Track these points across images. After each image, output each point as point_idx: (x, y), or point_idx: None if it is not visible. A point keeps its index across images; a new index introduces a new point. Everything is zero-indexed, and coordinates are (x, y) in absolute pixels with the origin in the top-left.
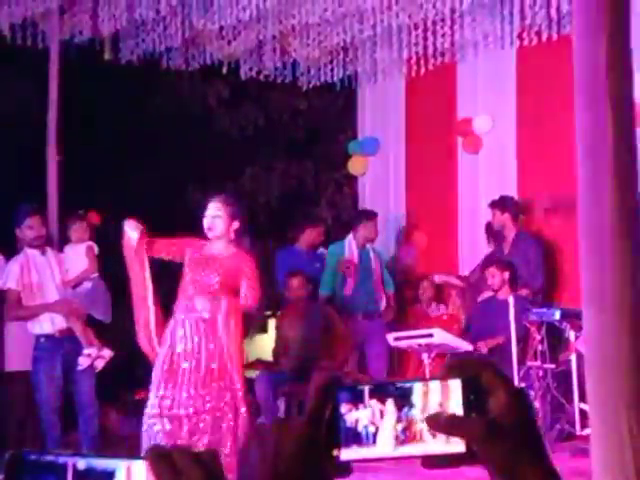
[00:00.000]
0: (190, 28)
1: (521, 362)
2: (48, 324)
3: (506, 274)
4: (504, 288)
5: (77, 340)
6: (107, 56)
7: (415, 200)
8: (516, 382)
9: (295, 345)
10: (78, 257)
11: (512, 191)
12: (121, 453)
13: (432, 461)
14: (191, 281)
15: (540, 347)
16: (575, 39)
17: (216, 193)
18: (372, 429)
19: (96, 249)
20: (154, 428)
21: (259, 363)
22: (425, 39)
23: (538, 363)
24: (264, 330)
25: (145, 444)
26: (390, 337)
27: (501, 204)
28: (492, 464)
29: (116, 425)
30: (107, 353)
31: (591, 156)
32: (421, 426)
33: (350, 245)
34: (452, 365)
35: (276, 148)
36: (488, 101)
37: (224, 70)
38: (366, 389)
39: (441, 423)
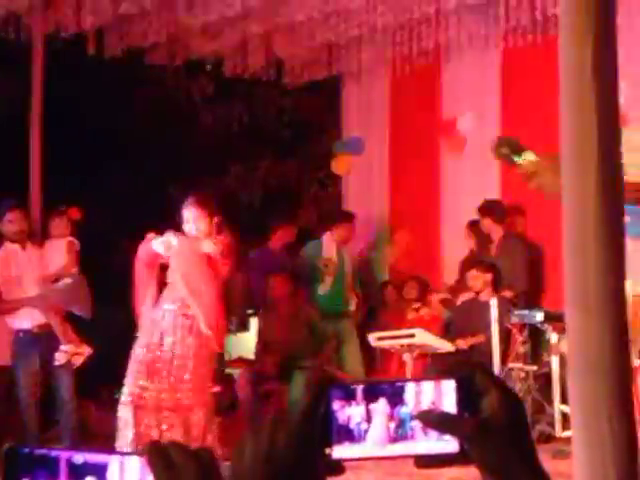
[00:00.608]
0: (175, 23)
1: (503, 363)
2: (27, 319)
3: (488, 276)
4: (487, 290)
5: (56, 336)
6: (91, 51)
7: (398, 200)
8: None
9: (278, 344)
10: (58, 252)
11: (495, 192)
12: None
13: (425, 460)
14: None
15: (522, 349)
16: (561, 40)
17: (189, 195)
18: (364, 427)
19: (77, 245)
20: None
21: (241, 361)
22: (410, 39)
23: (520, 365)
24: (246, 328)
25: (120, 431)
26: (372, 337)
27: (485, 208)
28: (483, 464)
29: (96, 421)
30: (86, 350)
31: (575, 159)
32: (413, 425)
33: (328, 244)
34: (445, 366)
35: (260, 146)
36: (472, 102)
37: (208, 67)
38: (359, 387)
39: (433, 420)
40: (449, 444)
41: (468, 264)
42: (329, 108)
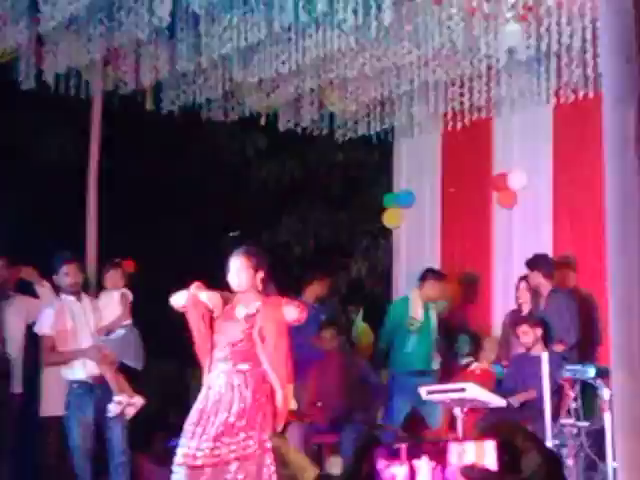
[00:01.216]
0: (230, 80)
1: (554, 419)
2: (81, 370)
3: (538, 331)
4: (537, 345)
5: (109, 387)
6: (148, 106)
7: (449, 253)
8: (549, 440)
9: (329, 397)
10: (112, 304)
11: (547, 247)
12: None
13: None
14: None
15: (574, 404)
16: (605, 105)
17: (238, 246)
18: None
19: (130, 296)
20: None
21: (290, 413)
22: (462, 95)
23: (572, 421)
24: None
25: None
26: (423, 391)
27: (533, 262)
28: None
29: (149, 473)
30: (138, 401)
31: (619, 220)
32: None
33: (415, 302)
34: (487, 427)
35: (312, 199)
36: (524, 157)
37: (262, 122)
38: (403, 447)
39: (476, 475)
40: None
41: (515, 320)
42: (381, 162)
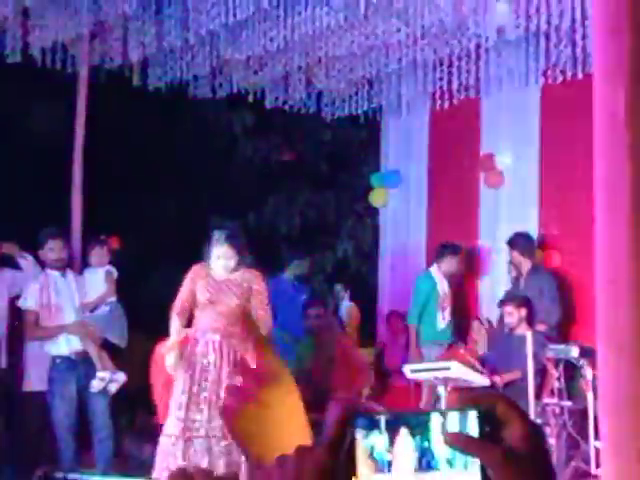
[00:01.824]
0: (217, 57)
1: (537, 399)
2: (64, 345)
3: (523, 311)
4: (522, 325)
5: (92, 363)
6: (135, 82)
7: (435, 233)
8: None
9: (312, 375)
10: (97, 281)
11: (534, 227)
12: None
13: None
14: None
15: (557, 384)
16: (595, 85)
17: (222, 229)
18: (388, 457)
19: (115, 274)
20: (170, 448)
21: None
22: (450, 74)
23: (555, 400)
24: None
25: (159, 464)
26: (407, 369)
27: (512, 241)
28: None
29: (131, 448)
30: (121, 377)
31: (608, 202)
32: (438, 456)
33: (439, 277)
34: (467, 397)
35: (299, 178)
36: (512, 137)
37: (250, 99)
38: (382, 418)
39: (461, 440)
40: (473, 476)
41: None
42: (368, 141)
